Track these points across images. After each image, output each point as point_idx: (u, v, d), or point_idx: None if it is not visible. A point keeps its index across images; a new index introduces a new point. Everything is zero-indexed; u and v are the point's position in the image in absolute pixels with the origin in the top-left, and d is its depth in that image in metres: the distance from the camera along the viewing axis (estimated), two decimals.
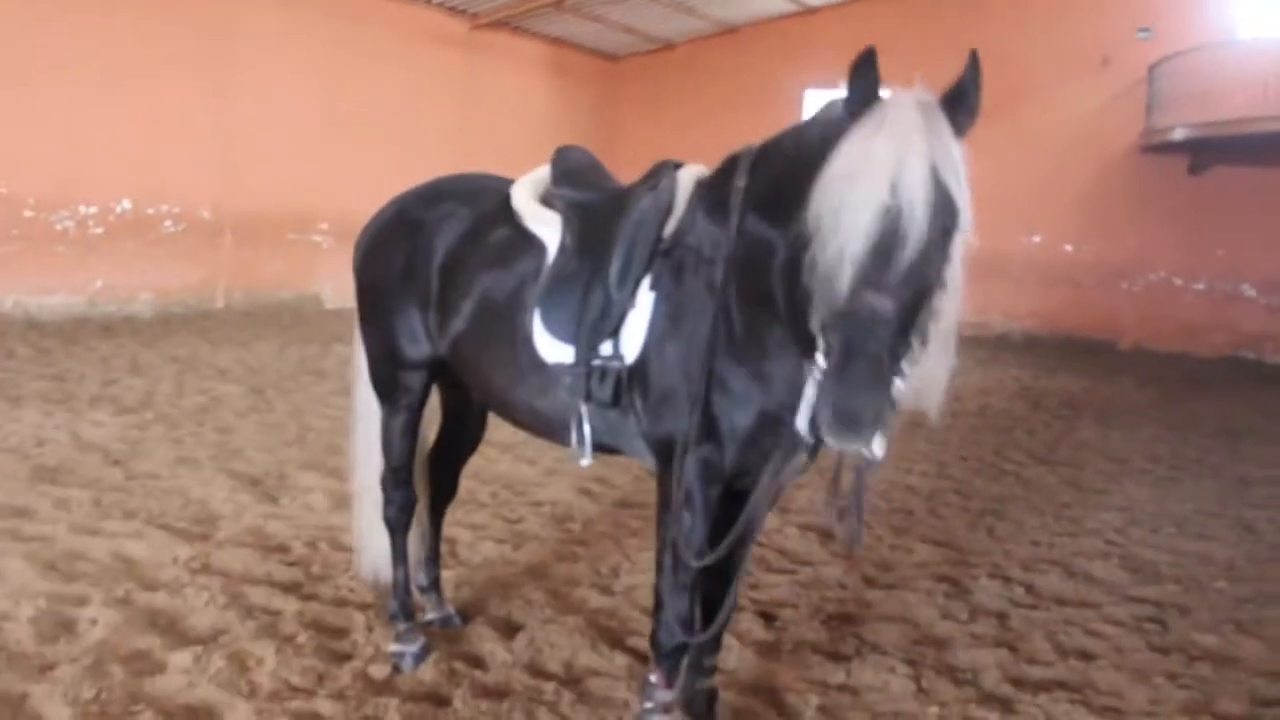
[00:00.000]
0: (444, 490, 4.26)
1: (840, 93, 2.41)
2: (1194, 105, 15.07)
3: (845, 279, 2.23)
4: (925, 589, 5.17)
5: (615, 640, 4.26)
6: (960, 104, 2.33)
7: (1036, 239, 17.07)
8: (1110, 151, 17.00)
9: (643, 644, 4.23)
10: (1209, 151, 15.86)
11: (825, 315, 2.33)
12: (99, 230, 11.91)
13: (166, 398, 8.15)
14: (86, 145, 11.49)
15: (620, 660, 4.07)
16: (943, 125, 2.27)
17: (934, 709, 3.85)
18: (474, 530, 5.44)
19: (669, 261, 3.10)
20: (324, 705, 3.51)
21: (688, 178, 3.21)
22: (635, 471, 7.08)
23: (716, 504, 3.08)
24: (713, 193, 3.05)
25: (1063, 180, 16.99)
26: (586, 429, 3.21)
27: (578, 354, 3.17)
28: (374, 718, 3.46)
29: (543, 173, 3.57)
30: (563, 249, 3.31)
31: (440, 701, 3.63)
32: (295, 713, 3.44)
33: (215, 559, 4.76)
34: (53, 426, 6.92)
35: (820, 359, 2.34)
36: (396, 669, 3.82)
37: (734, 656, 4.14)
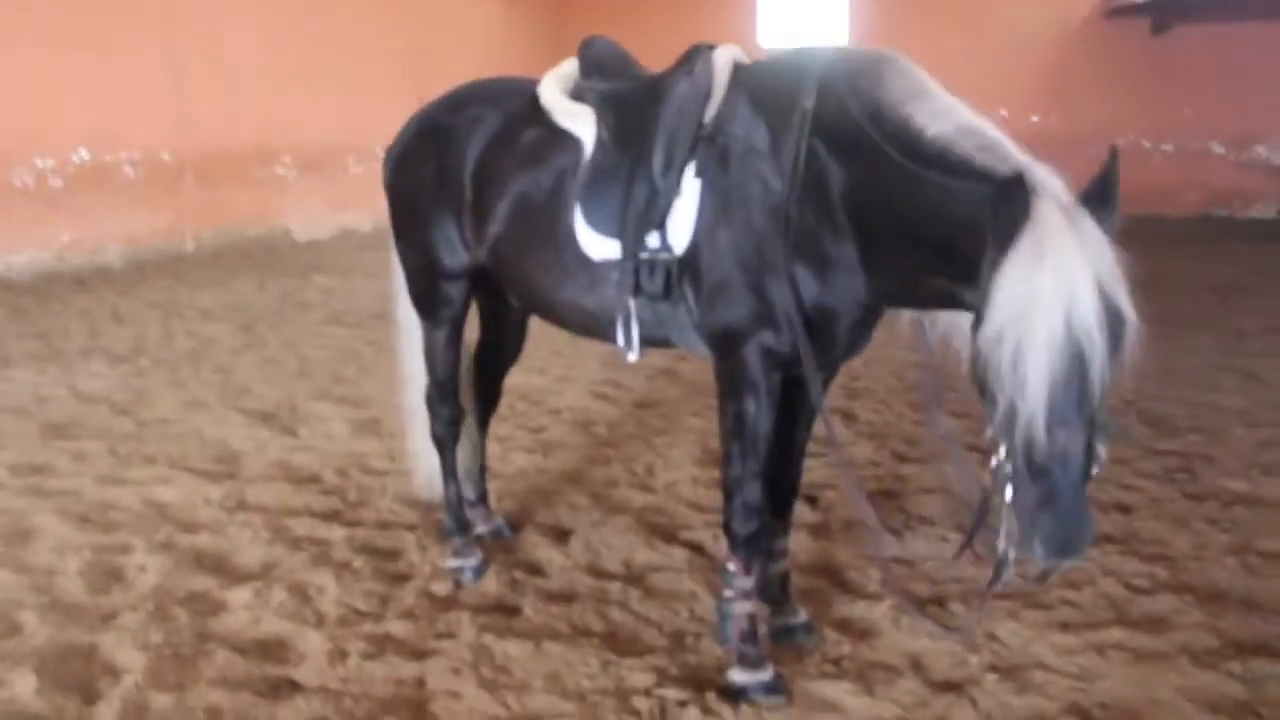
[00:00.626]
0: (488, 401, 4.20)
1: None
2: None
3: (1038, 428, 2.12)
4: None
5: (668, 535, 4.25)
6: (1105, 203, 2.23)
7: (1003, 112, 16.92)
8: (1072, 19, 16.81)
9: (697, 536, 4.25)
10: (1170, 11, 15.73)
11: (1013, 446, 2.20)
12: (59, 183, 11.52)
13: (156, 343, 7.97)
14: (37, 96, 11.05)
15: (678, 554, 4.07)
16: (1093, 233, 2.16)
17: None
18: (501, 442, 5.39)
19: (713, 148, 3.00)
20: (395, 627, 3.48)
21: (724, 60, 3.10)
22: (647, 372, 7.05)
23: (779, 389, 3.03)
24: (773, 100, 2.94)
25: (1027, 51, 16.82)
26: (634, 325, 3.14)
27: (624, 248, 3.08)
28: (448, 634, 3.43)
29: (569, 67, 3.45)
30: (600, 142, 3.20)
31: (510, 611, 3.61)
32: (368, 636, 3.41)
33: (249, 495, 4.68)
34: (49, 383, 6.75)
35: (1005, 467, 2.22)
36: (458, 584, 3.80)
37: (789, 540, 4.13)
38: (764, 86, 2.99)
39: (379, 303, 9.64)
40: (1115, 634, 3.41)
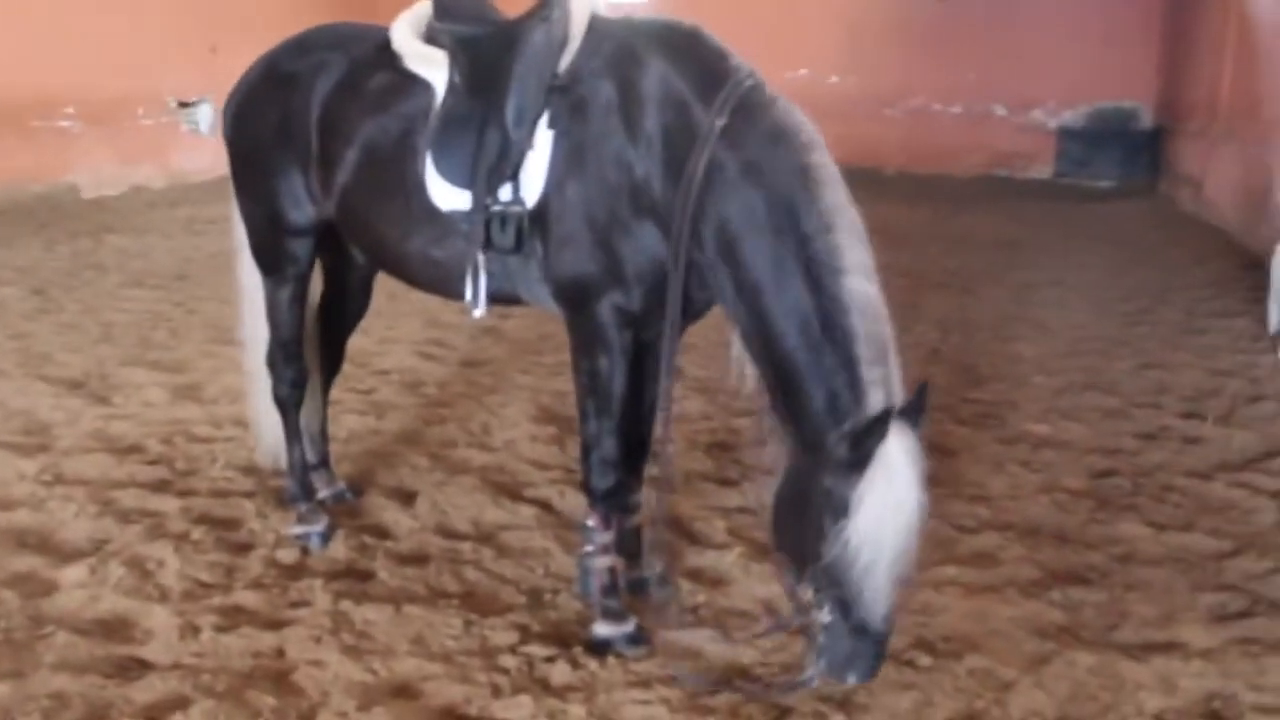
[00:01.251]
0: (332, 362, 4.09)
1: None
2: None
3: (878, 608, 2.54)
4: None
5: (514, 494, 4.27)
6: (918, 418, 2.56)
7: (803, 72, 17.45)
8: None
9: (542, 494, 4.29)
10: None
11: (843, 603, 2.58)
12: None
13: None
14: None
15: (525, 511, 4.10)
16: (913, 448, 2.51)
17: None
18: (331, 405, 5.24)
19: (566, 99, 3.01)
20: (246, 597, 3.39)
21: (581, 11, 3.10)
22: (470, 331, 7.01)
23: (630, 346, 3.09)
24: (622, 61, 2.98)
25: (826, 15, 17.31)
26: (482, 279, 3.13)
27: (475, 199, 3.06)
28: (303, 602, 3.37)
29: (423, 8, 3.36)
30: (452, 88, 3.15)
31: (363, 576, 3.57)
32: (218, 609, 3.31)
33: (66, 468, 4.42)
34: None
35: (824, 617, 2.62)
36: (305, 551, 3.72)
37: (640, 495, 4.22)
38: (629, 48, 3.01)
39: (180, 263, 9.24)
40: (949, 571, 3.66)
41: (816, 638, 2.63)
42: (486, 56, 3.13)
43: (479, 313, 3.15)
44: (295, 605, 3.35)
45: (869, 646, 2.58)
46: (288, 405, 3.81)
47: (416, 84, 3.22)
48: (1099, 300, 8.22)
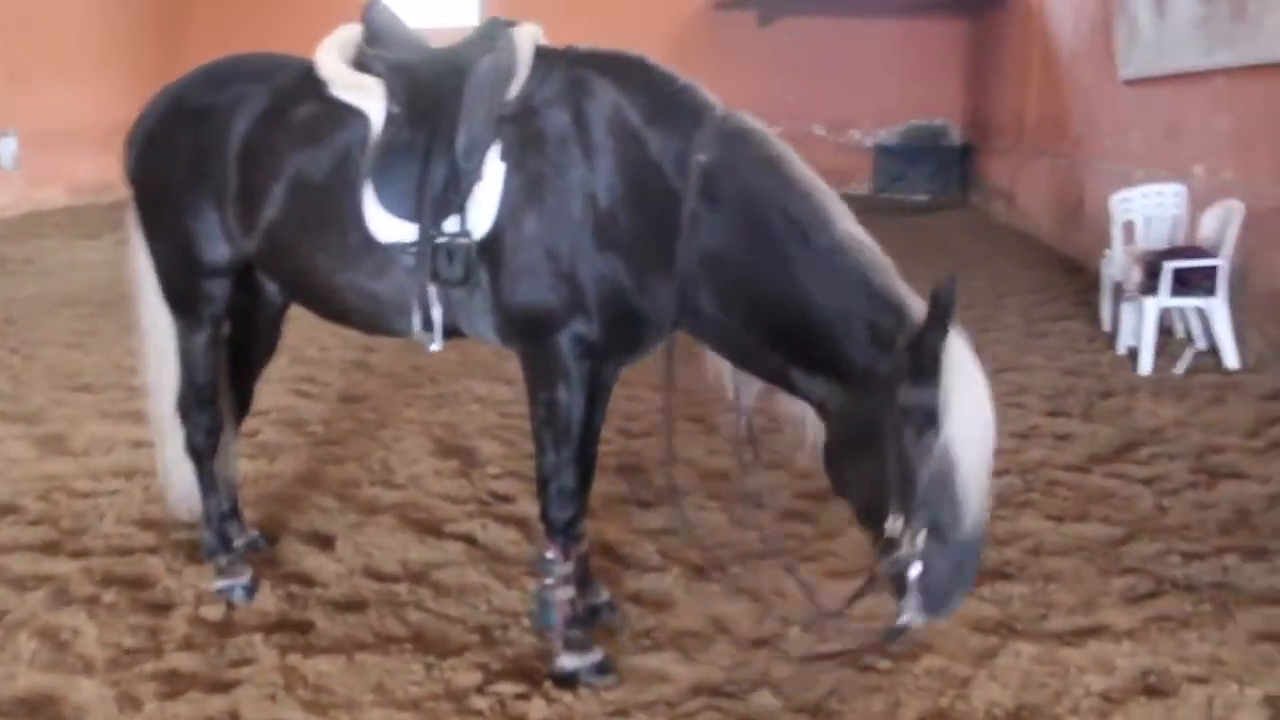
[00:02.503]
0: (241, 405, 3.89)
1: None
2: None
3: (978, 513, 2.48)
4: (683, 430, 5.45)
5: (434, 530, 4.17)
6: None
7: None
8: (686, 8, 17.86)
9: (463, 528, 4.21)
10: (774, 5, 17.13)
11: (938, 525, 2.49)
12: None
13: None
14: None
15: (452, 548, 4.01)
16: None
17: (754, 533, 4.14)
18: None
19: (519, 130, 2.98)
20: (181, 660, 3.18)
21: (525, 38, 3.07)
22: (339, 365, 6.82)
23: (589, 376, 3.08)
24: (584, 90, 2.97)
25: (649, 38, 17.45)
26: (437, 312, 3.06)
27: (421, 231, 2.98)
28: (245, 659, 3.19)
29: (348, 33, 3.25)
30: (391, 118, 3.06)
31: (301, 626, 3.41)
32: (154, 676, 3.09)
33: None
34: None
35: (916, 547, 2.49)
36: (230, 605, 3.52)
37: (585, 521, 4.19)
38: (582, 79, 3.00)
39: (4, 306, 8.60)
40: None
41: (909, 578, 2.51)
42: (427, 85, 3.06)
43: (435, 346, 3.07)
44: (237, 664, 3.16)
45: (969, 562, 2.54)
46: (203, 454, 3.61)
47: (349, 113, 3.12)
48: None
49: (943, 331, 2.40)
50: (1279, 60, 6.65)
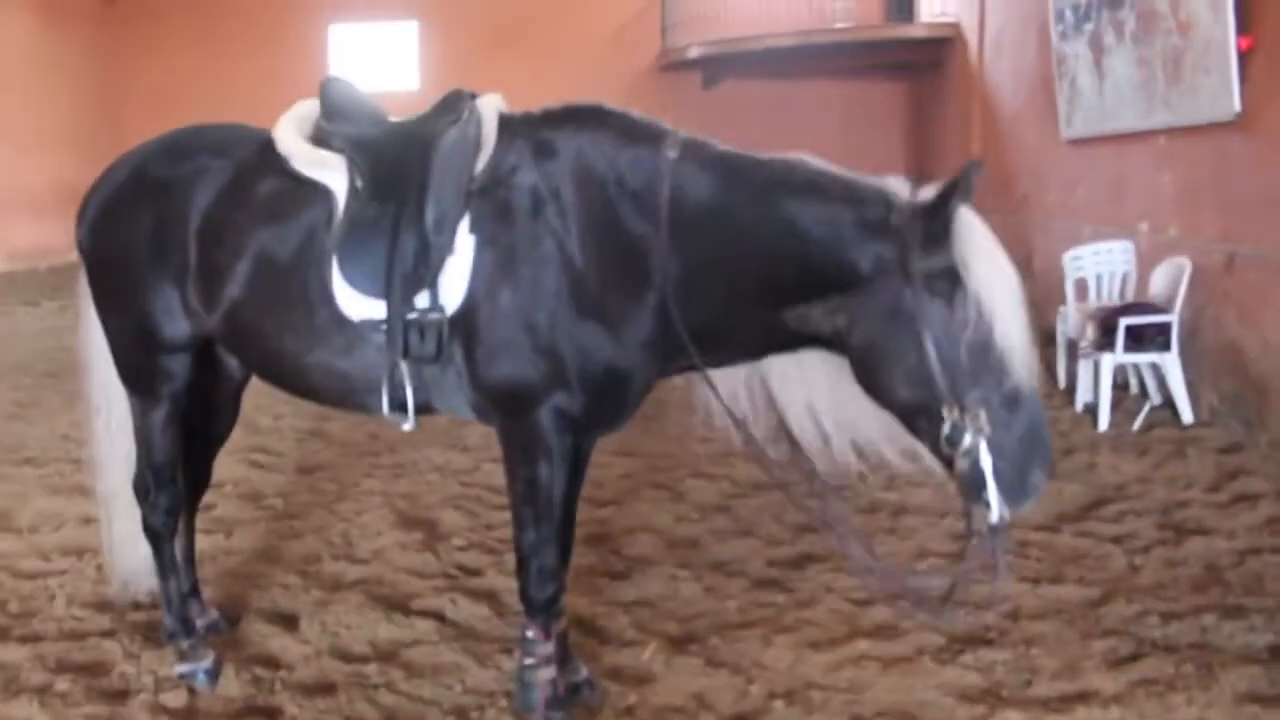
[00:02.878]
0: (198, 483, 3.76)
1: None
2: (705, 26, 16.45)
3: (1024, 365, 2.47)
4: (649, 498, 5.39)
5: (402, 608, 4.03)
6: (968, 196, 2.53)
7: None
8: (632, 69, 18.08)
9: (432, 604, 4.09)
10: (719, 67, 17.41)
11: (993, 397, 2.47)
12: None
13: None
14: None
15: (422, 625, 3.89)
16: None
17: (731, 603, 4.08)
18: None
19: (489, 202, 2.93)
20: None
21: (490, 109, 3.04)
22: (294, 435, 6.68)
23: (571, 451, 3.01)
24: (552, 155, 2.94)
25: (599, 94, 17.79)
26: (409, 389, 2.99)
27: (391, 308, 2.91)
28: None
29: (306, 109, 3.20)
30: (355, 193, 3.00)
31: (269, 713, 3.28)
32: None
33: None
34: None
35: (981, 435, 2.46)
36: (192, 691, 3.37)
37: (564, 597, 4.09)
38: (543, 141, 2.97)
39: None
40: (861, 645, 3.70)
41: (983, 470, 2.45)
42: (391, 159, 3.00)
43: (408, 426, 2.99)
44: None
45: (1038, 432, 2.51)
46: (161, 535, 3.47)
47: (313, 189, 3.05)
48: None
49: (961, 198, 2.43)
50: (1215, 121, 6.83)
